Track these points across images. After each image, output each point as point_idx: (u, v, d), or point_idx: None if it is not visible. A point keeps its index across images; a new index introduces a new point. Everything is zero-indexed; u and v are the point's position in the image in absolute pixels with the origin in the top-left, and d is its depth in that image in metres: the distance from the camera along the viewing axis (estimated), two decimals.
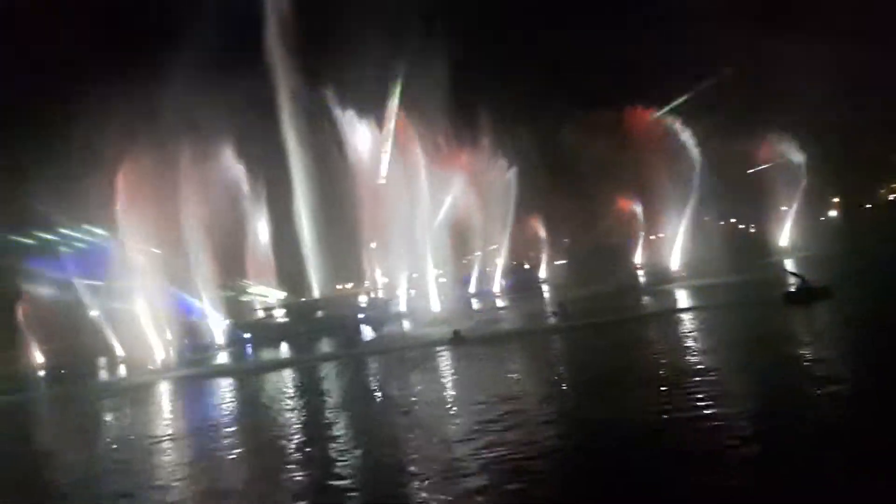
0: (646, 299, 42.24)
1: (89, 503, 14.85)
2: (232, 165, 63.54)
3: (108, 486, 15.31)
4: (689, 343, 22.87)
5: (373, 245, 62.04)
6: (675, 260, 57.37)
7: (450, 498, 10.94)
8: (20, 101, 55.21)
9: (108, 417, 27.40)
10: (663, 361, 19.74)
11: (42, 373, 59.15)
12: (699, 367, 18.22)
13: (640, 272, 67.21)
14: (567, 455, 12.44)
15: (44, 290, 62.24)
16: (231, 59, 58.43)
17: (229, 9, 58.33)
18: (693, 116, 61.19)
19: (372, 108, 57.92)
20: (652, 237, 77.57)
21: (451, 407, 18.49)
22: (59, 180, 48.50)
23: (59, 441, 23.27)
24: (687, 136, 60.22)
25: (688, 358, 19.82)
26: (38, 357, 69.16)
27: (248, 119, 59.25)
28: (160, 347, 45.95)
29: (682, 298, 39.66)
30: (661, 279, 51.46)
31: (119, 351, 54.87)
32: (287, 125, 62.21)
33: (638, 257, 77.20)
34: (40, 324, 67.18)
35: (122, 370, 46.50)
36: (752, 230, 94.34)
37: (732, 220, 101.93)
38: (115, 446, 20.28)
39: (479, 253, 70.74)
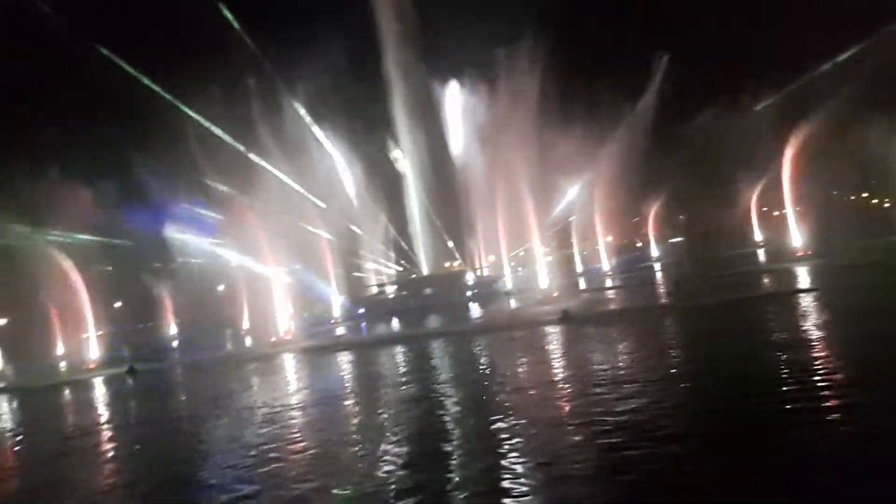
0: (766, 279, 40.51)
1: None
2: (348, 146, 65.73)
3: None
4: (810, 329, 21.81)
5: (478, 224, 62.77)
6: (798, 237, 54.21)
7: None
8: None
9: (239, 384, 29.45)
10: (783, 346, 19.09)
11: (175, 343, 64.10)
12: (823, 357, 17.45)
13: (761, 250, 64.21)
14: (690, 442, 12.34)
15: (178, 265, 67.45)
16: (340, 39, 60.65)
17: None
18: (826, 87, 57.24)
19: (482, 85, 58.21)
20: (774, 213, 73.73)
21: (564, 387, 18.66)
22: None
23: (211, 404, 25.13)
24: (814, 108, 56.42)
25: (810, 346, 19.01)
26: (172, 328, 75.25)
27: (363, 102, 61.44)
28: (283, 321, 48.61)
29: (804, 278, 37.79)
30: (782, 257, 49.03)
31: (244, 323, 58.78)
32: (399, 107, 63.85)
33: (758, 234, 73.62)
34: (175, 297, 73.05)
35: (246, 342, 49.70)
36: (887, 205, 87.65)
37: (864, 195, 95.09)
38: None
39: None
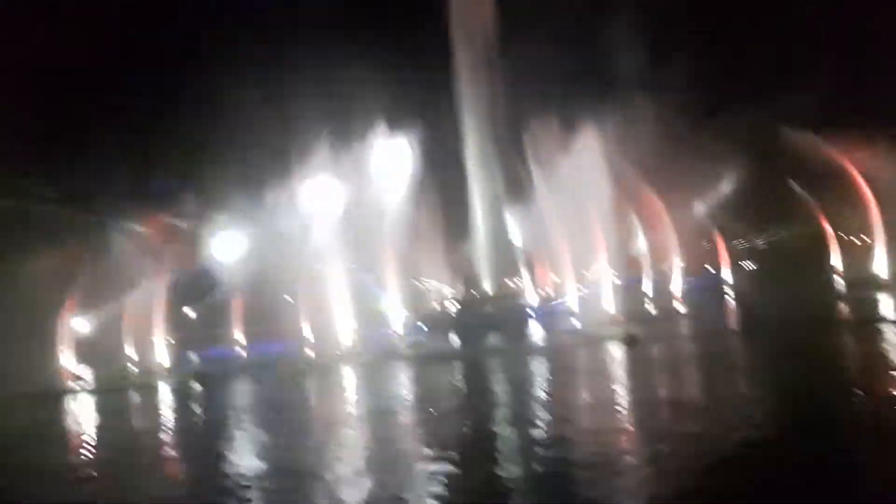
0: (844, 307, 38.56)
1: None
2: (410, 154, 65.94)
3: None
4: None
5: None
6: (882, 265, 51.44)
7: None
8: None
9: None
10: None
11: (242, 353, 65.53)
12: None
13: (839, 278, 61.13)
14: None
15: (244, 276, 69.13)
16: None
17: None
18: None
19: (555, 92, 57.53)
20: (855, 240, 70.17)
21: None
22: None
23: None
24: None
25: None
26: (241, 338, 76.83)
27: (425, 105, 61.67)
28: (346, 333, 49.22)
29: (888, 308, 35.76)
30: (863, 286, 46.56)
31: (308, 334, 59.68)
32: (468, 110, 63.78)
33: (837, 261, 70.13)
34: (242, 307, 74.76)
35: (309, 352, 50.42)
36: None
37: None
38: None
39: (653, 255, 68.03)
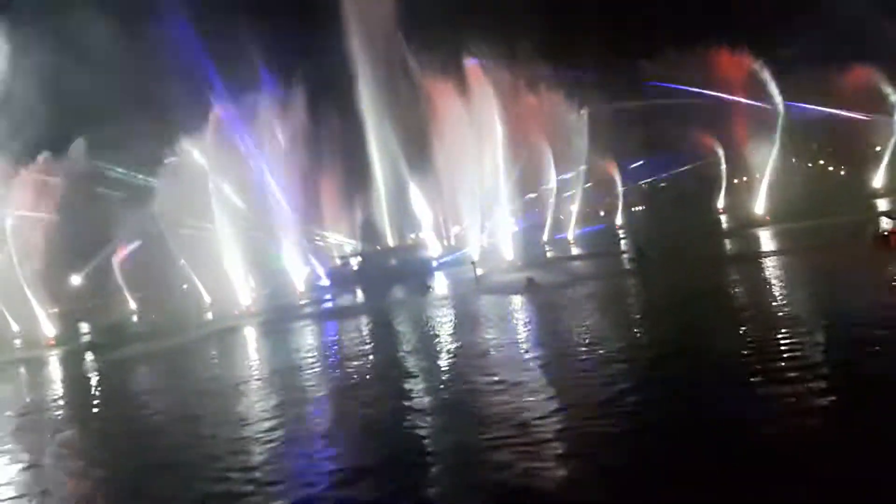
0: (728, 243, 41.09)
1: None
2: (311, 112, 63.93)
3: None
4: (775, 288, 22.22)
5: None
6: (759, 204, 55.04)
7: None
8: None
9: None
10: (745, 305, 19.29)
11: (134, 318, 62.74)
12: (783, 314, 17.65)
13: (723, 217, 65.07)
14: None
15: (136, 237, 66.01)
16: None
17: None
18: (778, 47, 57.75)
19: (447, 48, 56.71)
20: (735, 181, 74.72)
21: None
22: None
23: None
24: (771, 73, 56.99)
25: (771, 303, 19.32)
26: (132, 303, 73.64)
27: (325, 62, 59.70)
28: (245, 293, 47.79)
29: (765, 242, 38.37)
30: (744, 224, 49.69)
31: (206, 297, 57.83)
32: (364, 72, 62.28)
33: (720, 202, 74.58)
34: (133, 271, 71.61)
35: (209, 315, 48.78)
36: (843, 173, 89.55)
37: (821, 162, 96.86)
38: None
39: (552, 200, 69.74)
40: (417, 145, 60.44)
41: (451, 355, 19.61)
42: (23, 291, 50.69)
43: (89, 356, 34.74)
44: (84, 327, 51.49)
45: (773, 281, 23.86)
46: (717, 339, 15.63)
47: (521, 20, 54.41)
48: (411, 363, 19.34)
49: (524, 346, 19.09)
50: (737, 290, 23.62)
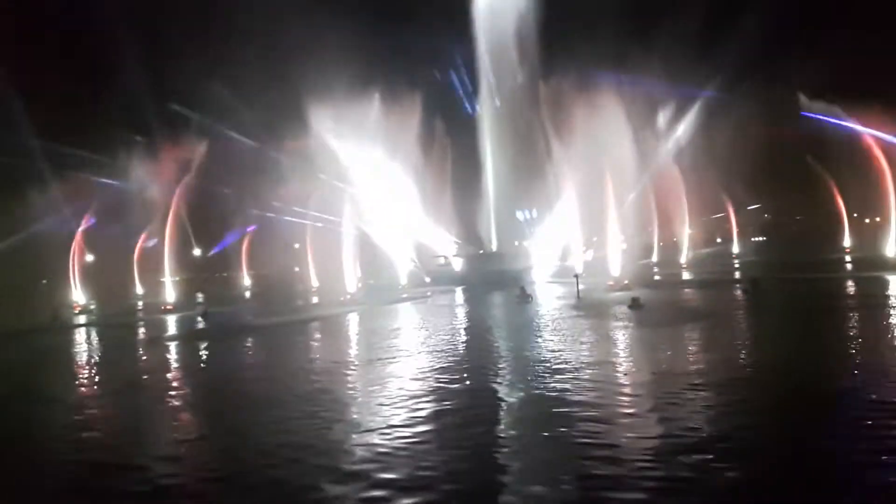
0: (850, 284, 38.65)
1: None
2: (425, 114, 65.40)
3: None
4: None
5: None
6: (891, 245, 51.35)
7: None
8: None
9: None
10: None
11: (248, 294, 66.73)
12: None
13: (848, 256, 61.06)
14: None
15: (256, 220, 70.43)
16: None
17: None
18: None
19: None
20: (866, 220, 69.98)
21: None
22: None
23: None
24: None
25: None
26: (248, 280, 78.55)
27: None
28: (352, 282, 49.97)
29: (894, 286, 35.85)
30: (871, 265, 46.47)
31: (314, 282, 60.60)
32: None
33: (846, 240, 70.01)
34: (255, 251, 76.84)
35: (315, 300, 51.10)
36: None
37: None
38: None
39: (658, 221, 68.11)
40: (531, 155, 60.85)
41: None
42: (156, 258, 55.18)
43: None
44: (200, 297, 55.46)
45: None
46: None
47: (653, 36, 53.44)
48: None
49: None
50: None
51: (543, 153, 57.86)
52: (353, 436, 12.47)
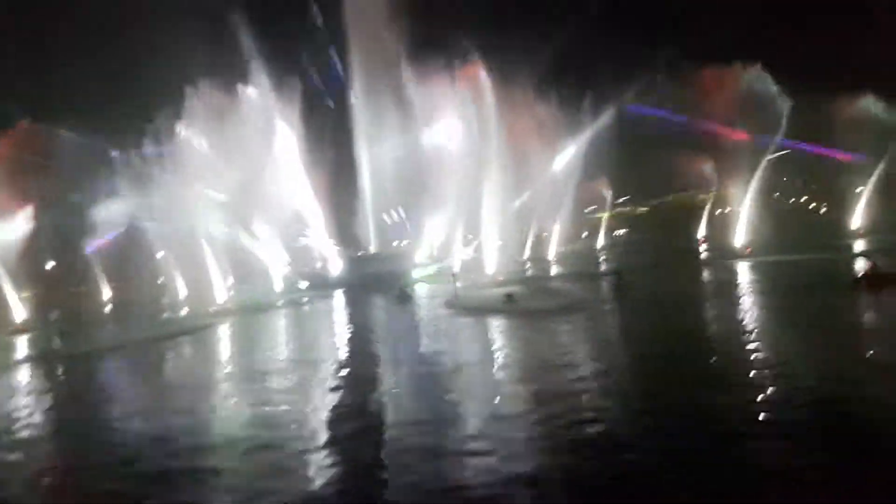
0: (705, 272, 41.46)
1: None
2: (297, 116, 63.62)
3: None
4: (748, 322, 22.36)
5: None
6: (740, 236, 55.60)
7: None
8: None
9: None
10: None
11: (108, 308, 62.13)
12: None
13: (703, 246, 65.60)
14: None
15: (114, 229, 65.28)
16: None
17: None
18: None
19: (443, 61, 56.66)
20: (717, 211, 75.57)
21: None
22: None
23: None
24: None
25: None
26: (107, 293, 73.06)
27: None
28: (222, 290, 47.55)
29: (744, 274, 38.65)
30: (723, 254, 50.05)
31: (182, 291, 57.33)
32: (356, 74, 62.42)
33: (701, 231, 75.34)
34: (109, 262, 71.08)
35: (184, 310, 48.28)
36: (824, 210, 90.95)
37: (804, 199, 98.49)
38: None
39: (534, 220, 70.03)
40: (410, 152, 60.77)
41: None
42: None
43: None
44: (55, 315, 50.83)
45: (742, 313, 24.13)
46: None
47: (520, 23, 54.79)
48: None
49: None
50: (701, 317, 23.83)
51: (415, 151, 57.95)
52: None
